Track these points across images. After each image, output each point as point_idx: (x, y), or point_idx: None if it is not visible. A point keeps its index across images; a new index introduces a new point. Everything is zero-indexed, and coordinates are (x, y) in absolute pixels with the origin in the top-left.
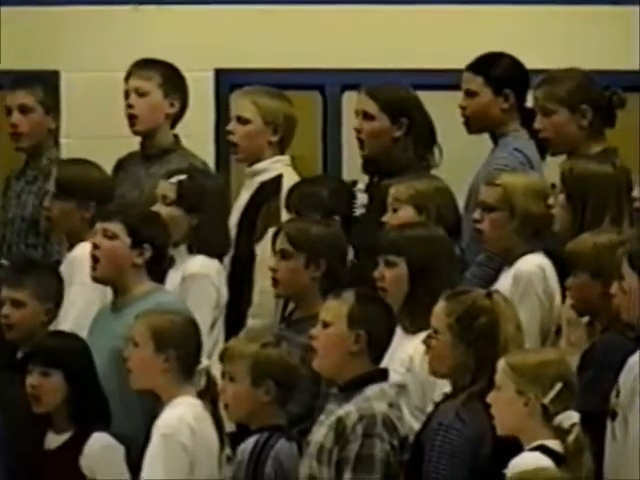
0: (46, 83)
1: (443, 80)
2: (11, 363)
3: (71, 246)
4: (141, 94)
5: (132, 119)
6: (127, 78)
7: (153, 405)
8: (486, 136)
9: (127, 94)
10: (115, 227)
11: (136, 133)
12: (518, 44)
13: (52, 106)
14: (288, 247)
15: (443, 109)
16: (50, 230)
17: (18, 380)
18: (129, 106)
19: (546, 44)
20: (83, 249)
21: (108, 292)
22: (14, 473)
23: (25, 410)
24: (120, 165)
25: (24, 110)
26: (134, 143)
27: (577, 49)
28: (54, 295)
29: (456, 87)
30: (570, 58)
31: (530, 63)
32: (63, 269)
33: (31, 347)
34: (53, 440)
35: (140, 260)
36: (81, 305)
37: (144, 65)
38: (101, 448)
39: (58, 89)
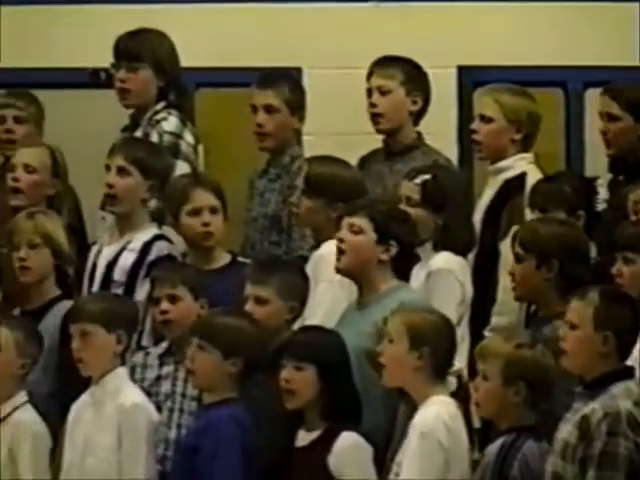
0: (293, 81)
1: None
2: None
3: (318, 243)
4: (384, 92)
5: (375, 117)
6: (369, 76)
7: (395, 404)
8: None
9: (370, 92)
10: (361, 222)
11: (379, 131)
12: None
13: (298, 106)
14: (519, 250)
15: None
16: (293, 226)
17: (265, 379)
18: (372, 105)
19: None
20: (330, 247)
21: (354, 290)
22: (264, 470)
23: (275, 408)
24: (363, 162)
25: (270, 110)
26: (376, 140)
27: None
28: (299, 293)
29: None
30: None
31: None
32: (310, 267)
33: (281, 343)
34: (303, 437)
35: (386, 256)
36: (328, 302)
37: (386, 63)
38: (350, 447)
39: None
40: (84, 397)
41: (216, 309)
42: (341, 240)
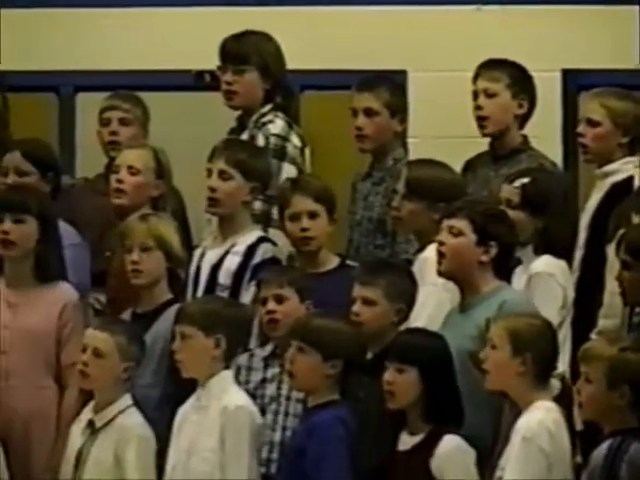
0: (393, 84)
1: None
2: (361, 364)
3: (421, 247)
4: (490, 95)
5: (481, 120)
6: (475, 79)
7: (501, 406)
8: None
9: (475, 95)
10: (461, 224)
11: (485, 134)
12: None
13: (399, 109)
14: (626, 257)
15: None
16: (397, 230)
17: (368, 381)
18: (478, 107)
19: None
20: (434, 250)
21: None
22: (365, 473)
23: (377, 411)
24: (469, 165)
25: (369, 113)
26: (482, 143)
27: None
28: (406, 295)
29: None
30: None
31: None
32: (414, 270)
33: (387, 344)
34: (406, 441)
35: (486, 257)
36: (433, 305)
37: (492, 66)
38: (453, 450)
39: (406, 89)
40: (190, 400)
41: (315, 311)
42: (441, 243)
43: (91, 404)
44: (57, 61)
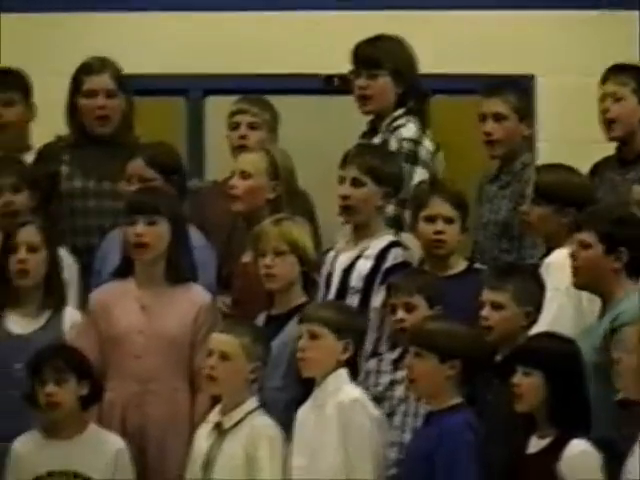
0: (520, 89)
1: None
2: (490, 366)
3: (548, 250)
4: (617, 99)
5: (608, 124)
6: (603, 82)
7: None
8: None
9: (603, 99)
10: (587, 236)
11: (611, 138)
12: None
13: (526, 113)
14: None
15: None
16: (524, 234)
17: (497, 383)
18: (605, 111)
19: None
20: (558, 255)
21: (582, 297)
22: (494, 476)
23: (506, 413)
24: (596, 169)
25: (498, 118)
26: (609, 147)
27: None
28: (534, 299)
29: None
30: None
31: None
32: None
33: (516, 347)
34: (535, 444)
35: (618, 264)
36: (554, 310)
37: (620, 70)
38: (580, 455)
39: (533, 93)
40: (308, 401)
41: (430, 314)
42: (573, 257)
43: (218, 406)
44: (186, 64)
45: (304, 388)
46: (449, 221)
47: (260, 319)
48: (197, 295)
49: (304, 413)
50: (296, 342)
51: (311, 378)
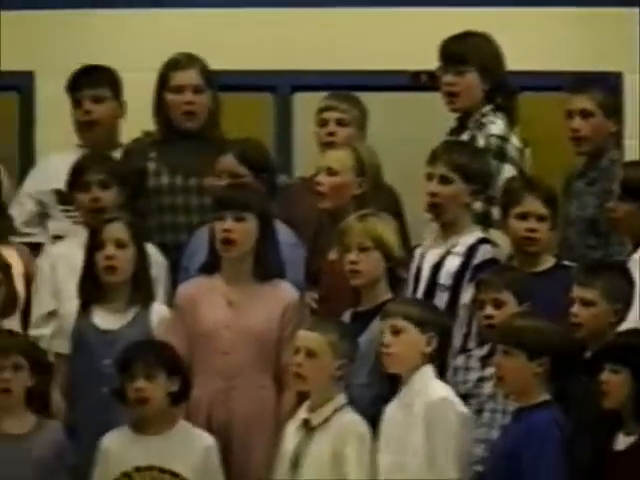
0: (607, 86)
1: None
2: (575, 362)
3: (636, 247)
4: (585, 116)
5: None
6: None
7: None
8: None
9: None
10: None
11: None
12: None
13: (613, 110)
14: None
15: None
16: (611, 231)
17: (585, 380)
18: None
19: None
20: None
21: None
22: (581, 472)
23: (594, 410)
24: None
25: (585, 115)
26: None
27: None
28: (624, 296)
29: None
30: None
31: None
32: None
33: (602, 345)
34: (621, 441)
35: None
36: (638, 307)
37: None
38: None
39: (620, 91)
40: (395, 399)
41: (517, 312)
42: None
43: (306, 403)
44: (274, 60)
45: (389, 385)
46: (541, 219)
47: (346, 316)
48: (284, 292)
49: (391, 411)
50: (381, 338)
51: (397, 375)
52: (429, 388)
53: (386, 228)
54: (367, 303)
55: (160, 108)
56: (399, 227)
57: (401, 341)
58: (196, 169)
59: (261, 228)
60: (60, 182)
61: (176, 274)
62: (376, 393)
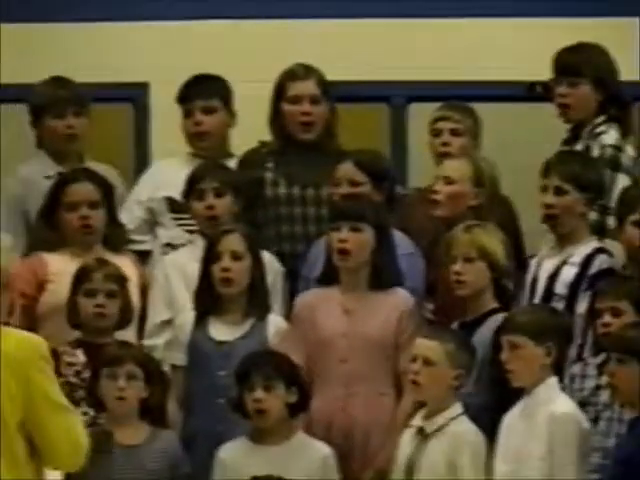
0: None
1: None
2: None
3: None
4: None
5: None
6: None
7: None
8: None
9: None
10: None
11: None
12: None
13: None
14: None
15: None
16: None
17: None
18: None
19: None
20: None
21: None
22: None
23: None
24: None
25: None
26: None
27: None
28: None
29: None
30: None
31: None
32: None
33: None
34: None
35: None
36: None
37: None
38: None
39: None
40: (516, 408)
41: (630, 322)
42: None
43: (421, 411)
44: (389, 71)
45: (494, 394)
46: None
47: (454, 326)
48: (400, 299)
49: (511, 420)
50: (487, 347)
51: (511, 385)
52: (554, 401)
53: (491, 238)
54: (472, 313)
55: (276, 118)
56: (514, 238)
57: (518, 357)
58: (313, 180)
59: (377, 238)
60: (170, 189)
61: (293, 283)
62: (482, 401)
